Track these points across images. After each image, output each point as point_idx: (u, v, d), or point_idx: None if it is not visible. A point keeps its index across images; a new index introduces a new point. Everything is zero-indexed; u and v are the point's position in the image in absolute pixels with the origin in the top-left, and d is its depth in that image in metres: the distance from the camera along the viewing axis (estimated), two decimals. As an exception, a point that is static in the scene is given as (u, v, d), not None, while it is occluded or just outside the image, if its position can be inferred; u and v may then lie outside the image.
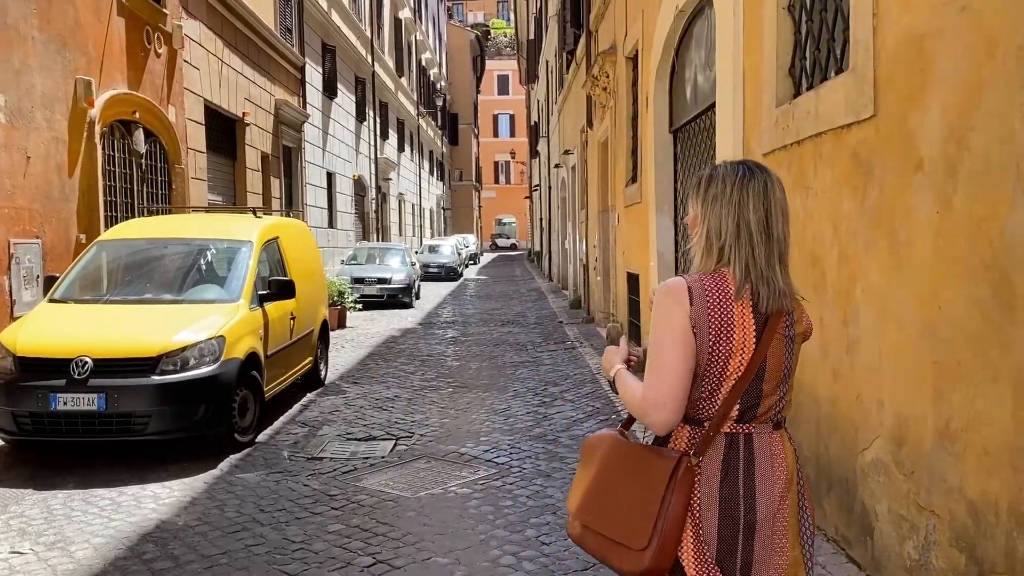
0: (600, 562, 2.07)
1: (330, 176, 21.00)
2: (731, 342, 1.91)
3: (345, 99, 22.70)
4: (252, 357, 6.83)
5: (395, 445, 6.82)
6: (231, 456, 6.49)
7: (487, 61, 64.08)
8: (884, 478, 3.60)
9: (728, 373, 1.92)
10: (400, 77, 32.20)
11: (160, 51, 10.79)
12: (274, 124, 16.26)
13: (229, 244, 7.59)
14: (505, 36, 71.84)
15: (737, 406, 1.94)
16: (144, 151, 10.27)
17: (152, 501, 5.41)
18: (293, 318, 8.06)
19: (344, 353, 12.07)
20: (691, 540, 1.92)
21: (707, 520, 1.92)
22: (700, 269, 2.01)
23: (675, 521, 1.90)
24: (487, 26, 70.83)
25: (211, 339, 6.38)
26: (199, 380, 6.20)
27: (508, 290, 25.23)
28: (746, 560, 1.93)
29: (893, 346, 3.51)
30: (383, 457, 6.45)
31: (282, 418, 7.81)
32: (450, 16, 60.19)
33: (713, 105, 6.66)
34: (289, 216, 10.40)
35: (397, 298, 19.21)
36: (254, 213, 8.40)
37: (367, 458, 6.44)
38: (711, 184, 1.99)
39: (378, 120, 27.29)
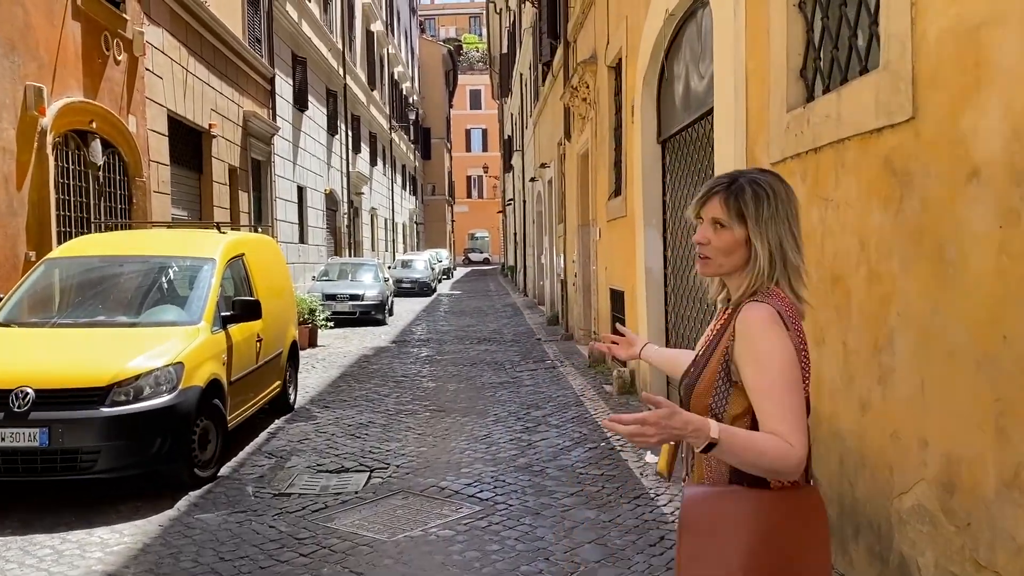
0: None
1: (301, 190, 20.44)
2: (809, 360, 1.87)
3: (316, 112, 22.17)
4: (214, 384, 6.30)
5: (369, 478, 6.31)
6: (190, 493, 5.94)
7: (459, 76, 63.78)
8: (929, 527, 3.18)
9: (808, 395, 1.85)
10: (372, 90, 31.73)
11: (120, 58, 10.23)
12: (242, 136, 15.70)
13: (190, 262, 7.06)
14: (477, 51, 71.63)
15: None
16: (102, 163, 9.69)
17: (99, 549, 4.85)
18: (260, 340, 7.53)
19: (315, 374, 11.52)
20: None
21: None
22: (743, 290, 1.89)
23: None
24: (459, 41, 70.59)
25: (168, 366, 5.84)
26: (155, 411, 5.65)
27: (483, 306, 24.76)
28: None
29: (940, 378, 3.10)
30: (356, 492, 5.94)
31: (247, 448, 7.26)
32: (422, 30, 59.92)
33: (709, 112, 6.27)
34: (256, 231, 9.86)
35: (370, 315, 18.66)
36: (218, 228, 7.87)
37: (339, 493, 5.92)
38: (759, 201, 1.87)
39: (350, 133, 26.78)
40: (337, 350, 14.26)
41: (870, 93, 3.55)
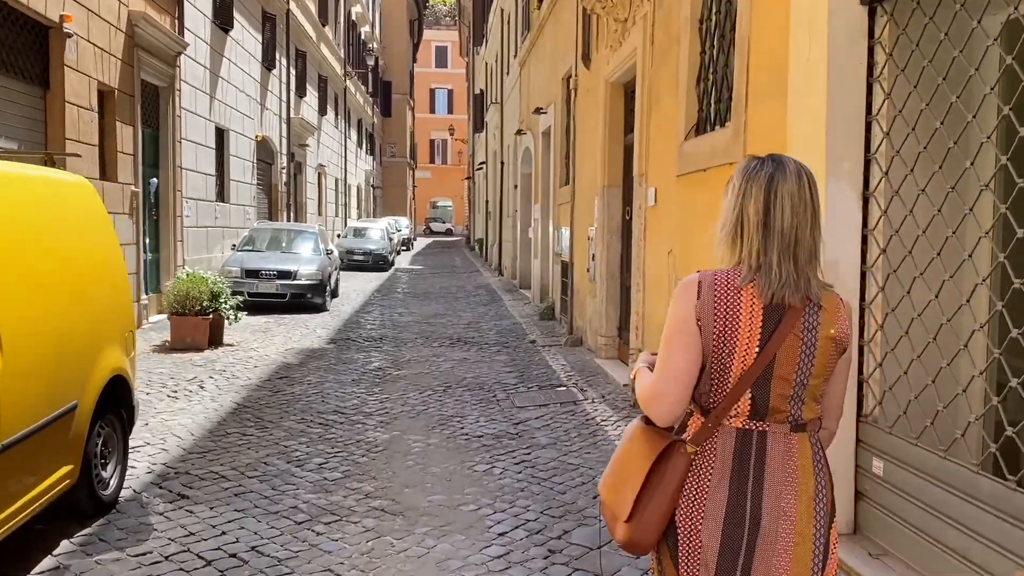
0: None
1: (221, 133, 15.92)
2: (737, 332, 1.89)
3: (247, 36, 17.57)
4: None
5: None
6: None
7: (425, 30, 58.80)
8: None
9: (734, 364, 1.89)
10: (324, 26, 27.00)
11: None
12: (126, 47, 11.19)
13: None
14: (444, 4, 66.68)
15: (749, 401, 1.90)
16: None
17: None
18: (-18, 403, 3.27)
19: (196, 403, 7.24)
20: (687, 530, 1.91)
21: (712, 514, 1.88)
22: (722, 263, 1.98)
23: (662, 501, 1.91)
24: (426, -8, 65.31)
25: None
26: None
27: (450, 286, 20.55)
28: (747, 562, 1.87)
29: None
30: None
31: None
32: (386, -26, 54.64)
33: None
34: (51, 164, 5.15)
35: (305, 298, 14.31)
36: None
37: None
38: (730, 180, 1.99)
39: (293, 72, 22.16)
40: (249, 353, 9.96)
41: None
